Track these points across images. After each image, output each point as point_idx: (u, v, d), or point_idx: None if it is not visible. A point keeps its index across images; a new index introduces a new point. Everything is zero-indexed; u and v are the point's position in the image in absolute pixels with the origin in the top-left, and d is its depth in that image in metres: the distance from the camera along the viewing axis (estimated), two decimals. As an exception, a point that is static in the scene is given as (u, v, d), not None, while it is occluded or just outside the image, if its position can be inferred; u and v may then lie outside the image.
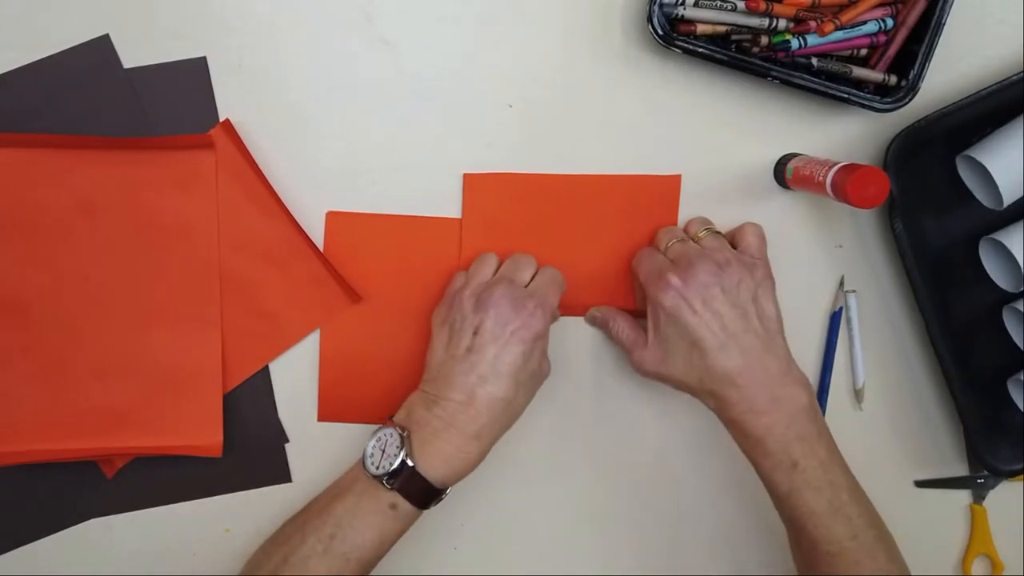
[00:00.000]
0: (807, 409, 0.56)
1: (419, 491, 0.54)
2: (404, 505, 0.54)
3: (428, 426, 0.55)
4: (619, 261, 0.65)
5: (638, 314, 0.63)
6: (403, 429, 0.55)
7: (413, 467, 0.54)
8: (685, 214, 0.65)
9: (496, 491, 0.67)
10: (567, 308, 0.65)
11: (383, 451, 0.55)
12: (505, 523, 0.67)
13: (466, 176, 0.63)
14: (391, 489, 0.54)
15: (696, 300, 0.56)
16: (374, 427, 0.57)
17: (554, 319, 0.60)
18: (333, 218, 0.63)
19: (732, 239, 0.62)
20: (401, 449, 0.54)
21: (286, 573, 0.54)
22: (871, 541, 0.55)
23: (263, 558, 0.56)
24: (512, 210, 0.64)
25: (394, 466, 0.54)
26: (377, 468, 0.54)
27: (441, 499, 0.56)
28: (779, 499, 0.56)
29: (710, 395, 0.57)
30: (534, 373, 0.58)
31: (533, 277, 0.60)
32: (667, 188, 0.64)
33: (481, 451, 0.56)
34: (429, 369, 0.58)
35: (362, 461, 0.55)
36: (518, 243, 0.64)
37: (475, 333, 0.56)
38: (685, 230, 0.62)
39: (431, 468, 0.54)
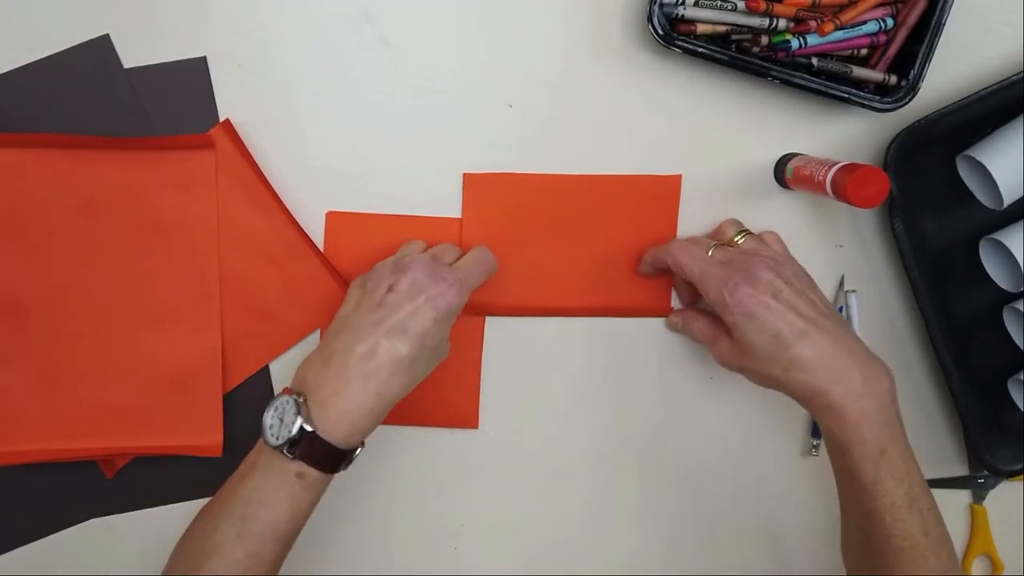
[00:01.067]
0: (891, 393, 0.55)
1: (324, 456, 0.52)
2: (311, 472, 0.52)
3: (326, 386, 0.52)
4: (619, 261, 0.65)
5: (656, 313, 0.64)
6: (299, 395, 0.52)
7: (313, 432, 0.51)
8: (685, 214, 0.65)
9: (496, 491, 0.67)
10: (566, 309, 0.65)
11: (281, 420, 0.52)
12: (505, 523, 0.67)
13: (466, 176, 0.63)
14: (294, 459, 0.51)
15: (766, 295, 0.55)
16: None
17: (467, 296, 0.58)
18: (333, 218, 0.63)
19: None
20: (298, 415, 0.51)
21: (203, 571, 0.51)
22: (938, 538, 0.55)
23: (178, 558, 0.54)
24: (512, 210, 0.64)
25: (292, 433, 0.51)
26: (277, 439, 0.51)
27: (351, 461, 0.54)
28: (862, 489, 0.54)
29: (800, 385, 0.54)
30: (437, 347, 0.56)
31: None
32: (667, 188, 0.64)
33: (383, 406, 0.54)
34: (332, 325, 0.56)
35: (263, 435, 0.53)
36: (518, 242, 0.64)
37: (389, 290, 0.55)
38: (720, 232, 0.63)
39: (333, 430, 0.52)
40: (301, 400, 0.52)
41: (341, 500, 0.65)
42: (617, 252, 0.65)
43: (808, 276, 0.59)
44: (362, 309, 0.55)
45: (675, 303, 0.66)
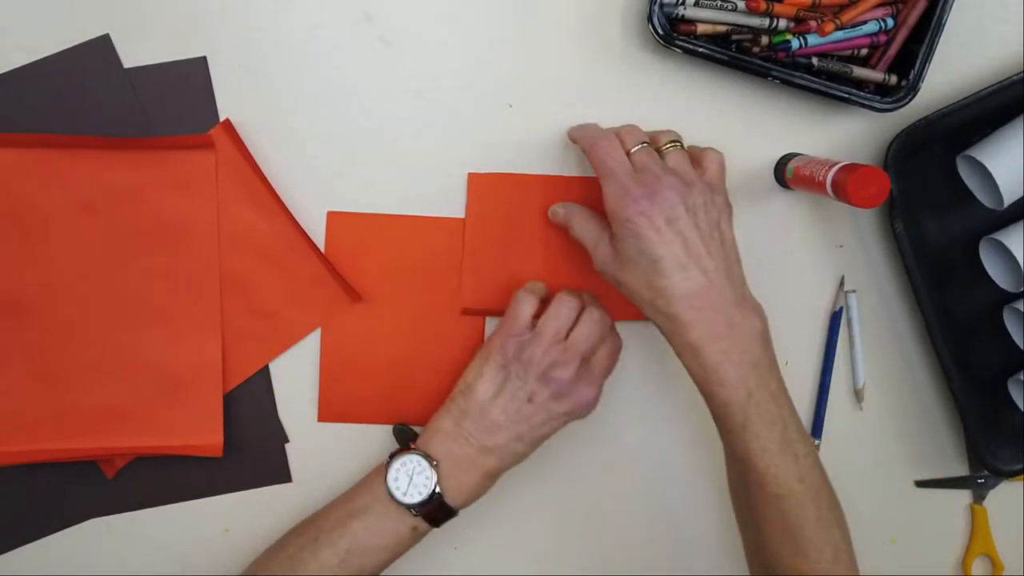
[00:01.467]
0: (760, 336, 0.55)
1: (441, 516, 0.58)
2: (423, 527, 0.58)
3: (456, 464, 0.58)
4: None
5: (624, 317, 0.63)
6: (432, 459, 0.57)
7: (442, 496, 0.57)
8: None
9: (496, 491, 0.67)
10: None
11: (410, 479, 0.57)
12: (505, 523, 0.67)
13: (470, 175, 0.63)
14: (415, 515, 0.57)
15: (660, 218, 0.53)
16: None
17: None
18: (334, 218, 0.63)
19: (693, 161, 0.58)
20: (432, 481, 0.57)
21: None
22: (816, 484, 0.55)
23: (269, 564, 0.58)
24: (516, 210, 0.64)
25: (424, 497, 0.56)
26: (404, 495, 0.57)
27: (453, 518, 0.59)
28: (732, 432, 0.54)
29: (664, 315, 0.54)
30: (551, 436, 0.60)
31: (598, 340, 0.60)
32: None
33: (491, 485, 0.60)
34: (470, 401, 0.59)
35: (384, 483, 0.57)
36: (520, 243, 0.64)
37: (529, 400, 0.58)
38: (654, 138, 0.58)
39: (455, 497, 0.58)
40: (436, 464, 0.57)
41: (341, 500, 0.65)
42: None
43: (724, 208, 0.56)
44: (501, 407, 0.58)
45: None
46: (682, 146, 0.58)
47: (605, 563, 0.69)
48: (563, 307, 0.59)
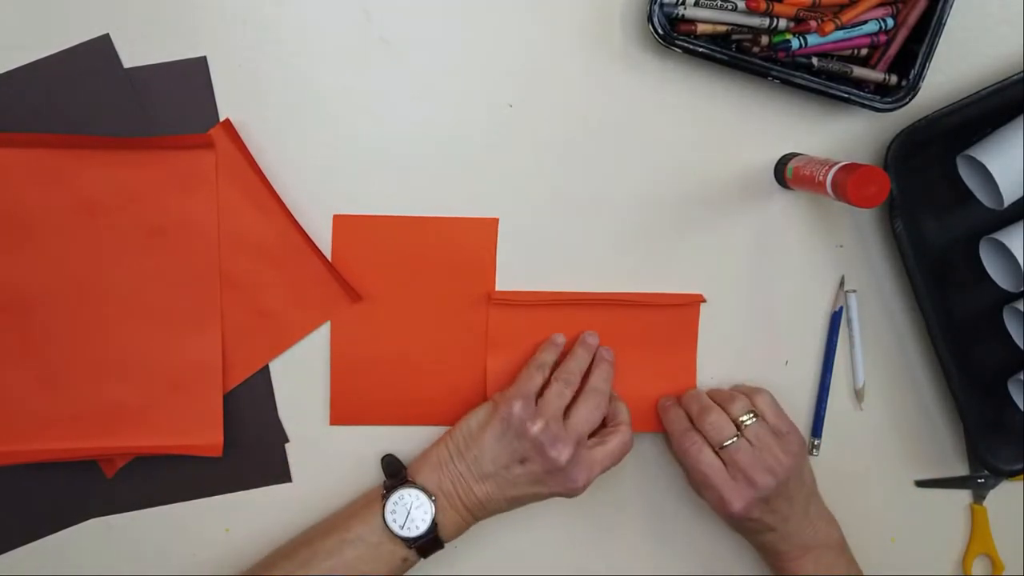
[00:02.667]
0: (836, 547, 0.64)
1: (433, 549, 0.60)
2: (414, 558, 0.60)
3: (452, 499, 0.60)
4: (640, 385, 0.66)
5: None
6: (432, 494, 0.59)
7: (436, 532, 0.59)
8: (685, 215, 0.65)
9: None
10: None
11: (408, 512, 0.59)
12: (505, 522, 0.67)
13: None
14: (409, 548, 0.59)
15: (756, 511, 0.61)
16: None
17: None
18: (340, 221, 0.63)
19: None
20: (430, 516, 0.59)
21: None
22: None
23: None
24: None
25: (422, 531, 0.58)
26: (402, 529, 0.59)
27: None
28: None
29: (759, 546, 0.65)
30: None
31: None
32: (687, 313, 0.66)
33: (467, 530, 0.62)
34: (470, 446, 0.61)
35: (381, 516, 0.59)
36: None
37: (522, 462, 0.60)
38: (727, 408, 0.63)
39: (446, 532, 0.60)
40: (434, 500, 0.59)
41: (343, 500, 0.65)
42: (637, 376, 0.66)
43: (802, 452, 0.63)
44: (493, 457, 0.60)
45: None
46: (755, 415, 0.62)
47: (606, 563, 0.69)
48: (569, 374, 0.62)
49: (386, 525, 0.59)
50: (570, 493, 0.61)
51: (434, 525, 0.59)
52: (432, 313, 0.64)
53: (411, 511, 0.59)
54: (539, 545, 0.68)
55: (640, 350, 0.66)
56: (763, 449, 0.61)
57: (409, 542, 0.59)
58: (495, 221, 0.64)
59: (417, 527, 0.58)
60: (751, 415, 0.62)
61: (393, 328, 0.64)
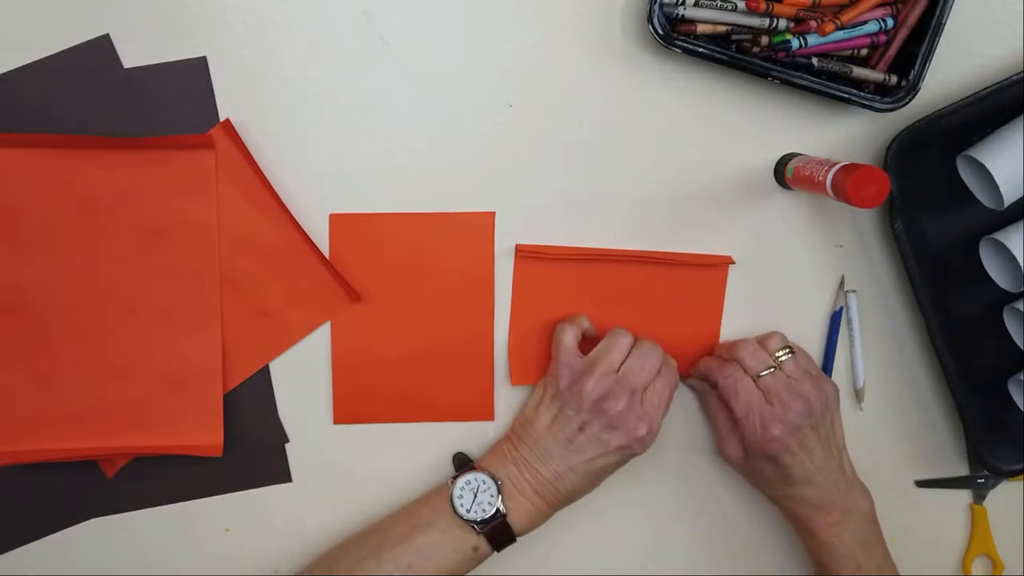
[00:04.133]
0: (868, 516, 0.62)
1: (504, 538, 0.59)
2: (485, 548, 0.59)
3: (519, 485, 0.60)
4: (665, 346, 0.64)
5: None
6: (497, 479, 0.59)
7: (505, 517, 0.59)
8: (685, 215, 0.65)
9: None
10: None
11: (475, 496, 0.59)
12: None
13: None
14: (479, 533, 0.59)
15: (793, 443, 0.60)
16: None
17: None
18: (337, 220, 0.63)
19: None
20: (497, 498, 0.59)
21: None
22: None
23: (333, 565, 0.59)
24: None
25: (488, 514, 0.58)
26: (469, 512, 0.59)
27: (512, 544, 0.60)
28: None
29: (789, 510, 0.63)
30: (610, 473, 0.62)
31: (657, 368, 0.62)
32: (715, 275, 0.66)
33: (552, 515, 0.61)
34: (527, 430, 0.61)
35: (449, 500, 0.59)
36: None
37: (581, 429, 0.59)
38: (764, 344, 0.63)
39: (517, 520, 0.59)
40: (500, 484, 0.59)
41: (343, 500, 0.65)
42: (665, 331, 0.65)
43: (833, 400, 0.63)
44: (553, 435, 0.60)
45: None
46: (792, 351, 0.63)
47: (606, 563, 0.69)
48: (616, 339, 0.61)
49: (454, 510, 0.59)
50: (637, 445, 0.60)
51: (501, 509, 0.58)
52: (432, 309, 0.64)
53: (477, 494, 0.59)
54: (543, 545, 0.68)
55: (666, 310, 0.66)
56: (798, 380, 0.61)
57: (477, 526, 0.58)
58: (492, 215, 0.64)
59: (484, 510, 0.58)
60: (787, 351, 0.62)
61: (393, 325, 0.64)
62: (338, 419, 0.65)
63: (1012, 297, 0.66)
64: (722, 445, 0.65)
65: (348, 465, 0.66)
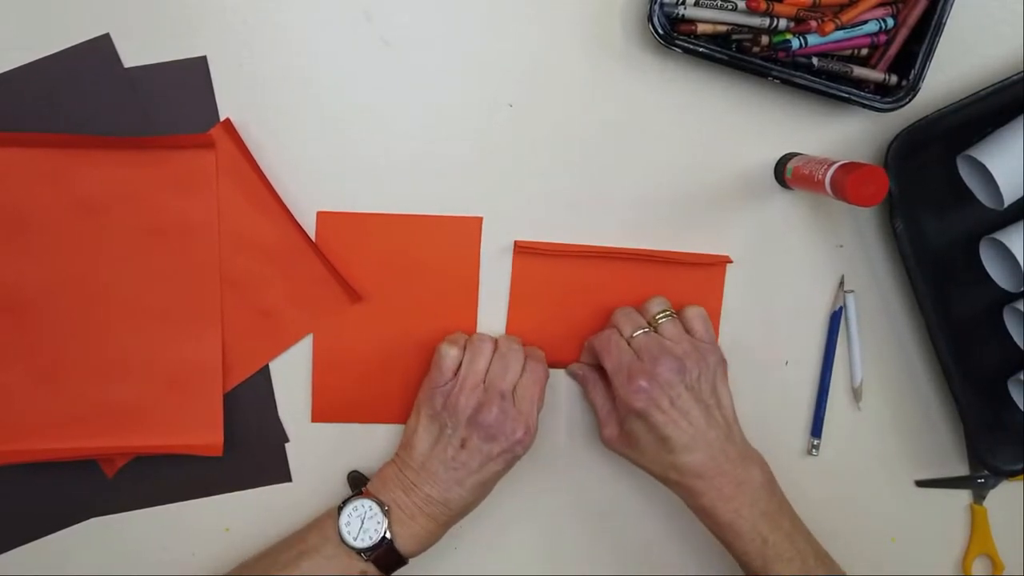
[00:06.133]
0: (766, 486, 0.60)
1: (391, 562, 0.59)
2: (373, 572, 0.58)
3: (407, 509, 0.59)
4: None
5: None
6: (384, 505, 0.59)
7: (391, 542, 0.58)
8: (684, 215, 0.65)
9: (496, 491, 0.67)
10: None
11: (361, 523, 0.58)
12: (505, 523, 0.67)
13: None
14: (366, 560, 0.58)
15: (664, 399, 0.58)
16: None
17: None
18: (324, 218, 0.63)
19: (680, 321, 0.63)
20: (383, 525, 0.58)
21: None
22: None
23: None
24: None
25: (374, 541, 0.58)
26: (356, 539, 0.58)
27: (403, 567, 0.60)
28: (754, 573, 0.59)
29: (677, 485, 0.60)
30: (499, 479, 0.61)
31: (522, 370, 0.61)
32: (713, 274, 0.66)
33: (443, 534, 0.61)
34: (411, 454, 0.60)
35: (336, 526, 0.58)
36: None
37: (462, 446, 0.59)
38: (643, 310, 0.63)
39: (405, 545, 0.59)
40: (387, 510, 0.58)
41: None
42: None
43: (718, 368, 0.61)
44: (437, 456, 0.59)
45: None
46: (671, 314, 0.62)
47: (607, 563, 0.69)
48: (477, 348, 0.61)
49: (341, 538, 0.58)
50: (519, 447, 0.60)
51: (387, 536, 0.58)
52: (415, 311, 0.64)
53: (364, 521, 0.58)
54: (540, 545, 0.68)
55: None
56: (675, 341, 0.60)
57: (364, 553, 0.58)
58: (479, 220, 0.64)
59: (370, 537, 0.58)
60: (666, 313, 0.62)
61: (377, 325, 0.64)
62: (316, 418, 0.65)
63: (1012, 297, 0.66)
64: (602, 428, 0.64)
65: (348, 465, 0.66)
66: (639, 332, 0.61)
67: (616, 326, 0.62)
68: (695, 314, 0.63)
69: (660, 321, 0.61)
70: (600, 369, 0.63)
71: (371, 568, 0.58)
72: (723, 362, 0.62)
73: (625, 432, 0.61)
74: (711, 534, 0.60)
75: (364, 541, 0.58)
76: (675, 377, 0.58)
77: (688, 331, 0.62)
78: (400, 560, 0.59)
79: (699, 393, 0.59)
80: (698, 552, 0.69)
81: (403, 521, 0.59)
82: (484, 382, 0.60)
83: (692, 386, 0.59)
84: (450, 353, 0.61)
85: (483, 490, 0.61)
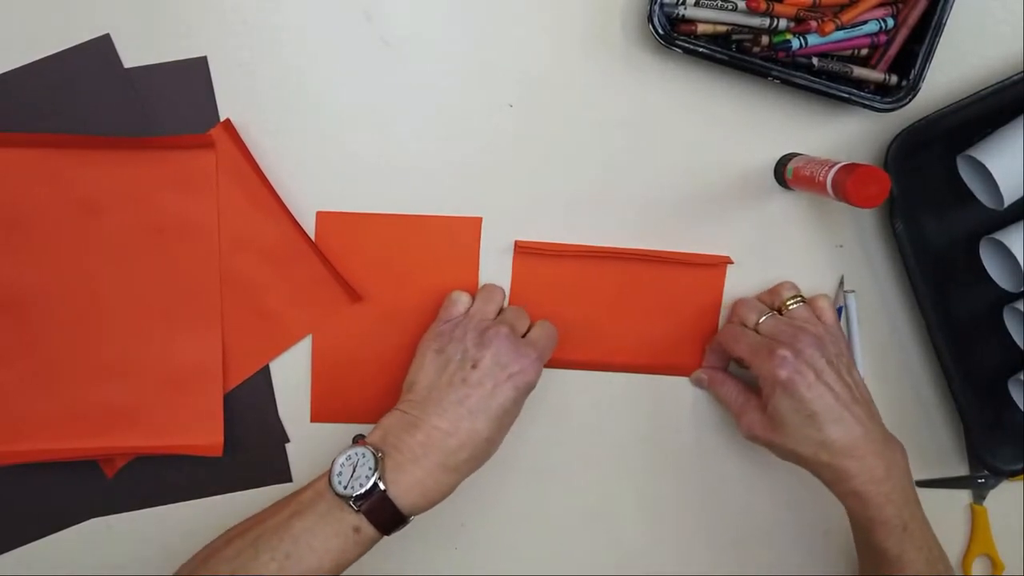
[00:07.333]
0: (908, 473, 0.58)
1: (387, 517, 0.53)
2: (368, 529, 0.53)
3: (406, 451, 0.54)
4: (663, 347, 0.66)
5: (676, 371, 0.67)
6: (377, 450, 0.54)
7: (384, 491, 0.52)
8: (685, 215, 0.65)
9: (496, 491, 0.67)
10: (602, 364, 0.67)
11: (353, 471, 0.53)
12: (505, 523, 0.67)
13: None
14: (357, 511, 0.52)
15: (809, 373, 0.56)
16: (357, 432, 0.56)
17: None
18: (324, 218, 0.63)
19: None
20: (374, 471, 0.52)
21: None
22: None
23: (209, 563, 0.54)
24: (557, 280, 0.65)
25: (364, 488, 0.52)
26: (345, 488, 0.52)
27: (404, 526, 0.54)
28: (887, 562, 0.57)
29: (827, 467, 0.57)
30: (513, 419, 0.58)
31: (529, 328, 0.61)
32: (713, 275, 0.66)
33: (454, 484, 0.55)
34: (414, 390, 0.57)
35: (328, 478, 0.53)
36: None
37: (473, 367, 0.56)
38: (772, 295, 0.63)
39: (403, 495, 0.53)
40: (380, 456, 0.53)
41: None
42: (656, 324, 0.66)
43: (849, 352, 0.61)
44: (444, 383, 0.56)
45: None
46: (802, 299, 0.62)
47: (606, 563, 0.69)
48: (488, 296, 0.61)
49: (332, 489, 0.53)
50: (530, 372, 0.57)
51: (377, 481, 0.52)
52: (416, 311, 0.64)
53: (356, 468, 0.53)
54: (540, 545, 0.68)
55: (664, 309, 0.66)
56: (806, 321, 0.59)
57: (355, 503, 0.52)
58: (479, 220, 0.64)
59: (360, 484, 0.52)
60: (798, 299, 0.61)
61: (375, 325, 0.64)
62: (315, 417, 0.65)
63: (1012, 297, 0.66)
64: (740, 420, 0.62)
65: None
66: (765, 317, 0.60)
67: (739, 317, 0.62)
68: (827, 304, 0.63)
69: (792, 306, 0.61)
70: (723, 371, 0.63)
71: (364, 523, 0.52)
72: (851, 349, 0.61)
73: (768, 416, 0.58)
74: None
75: (354, 488, 0.52)
76: (816, 352, 0.57)
77: (818, 319, 0.62)
78: (398, 516, 0.53)
79: (840, 371, 0.58)
80: (698, 552, 0.69)
81: (402, 467, 0.53)
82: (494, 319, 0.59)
83: (832, 361, 0.57)
84: (461, 299, 0.61)
85: (496, 425, 0.55)
